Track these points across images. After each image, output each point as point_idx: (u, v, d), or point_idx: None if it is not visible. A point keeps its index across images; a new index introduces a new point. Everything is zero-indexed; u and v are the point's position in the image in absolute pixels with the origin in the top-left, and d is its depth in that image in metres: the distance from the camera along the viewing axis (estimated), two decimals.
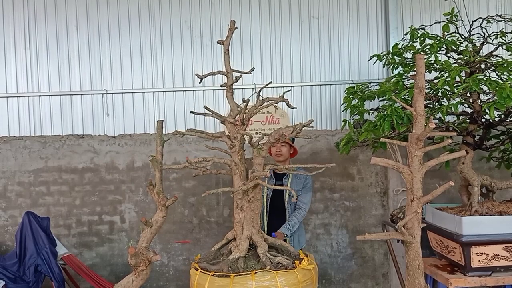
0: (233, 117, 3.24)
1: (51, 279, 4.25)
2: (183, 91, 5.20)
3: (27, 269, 4.25)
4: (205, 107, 3.46)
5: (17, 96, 5.16)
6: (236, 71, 3.35)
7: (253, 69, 3.65)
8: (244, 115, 3.25)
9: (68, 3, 5.14)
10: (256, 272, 2.87)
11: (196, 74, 3.35)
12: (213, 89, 5.18)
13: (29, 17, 5.15)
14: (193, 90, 5.20)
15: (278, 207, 4.15)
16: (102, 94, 5.17)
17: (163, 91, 5.20)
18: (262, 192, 3.59)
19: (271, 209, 4.16)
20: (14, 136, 5.15)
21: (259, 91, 3.43)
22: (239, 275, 2.88)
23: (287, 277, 2.84)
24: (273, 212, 4.14)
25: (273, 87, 5.17)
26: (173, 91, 5.20)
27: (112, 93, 5.17)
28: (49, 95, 5.16)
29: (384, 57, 4.03)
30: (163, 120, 3.38)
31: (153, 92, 5.19)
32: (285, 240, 3.81)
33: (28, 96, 5.16)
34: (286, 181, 4.16)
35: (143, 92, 5.19)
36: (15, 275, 4.24)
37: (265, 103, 3.30)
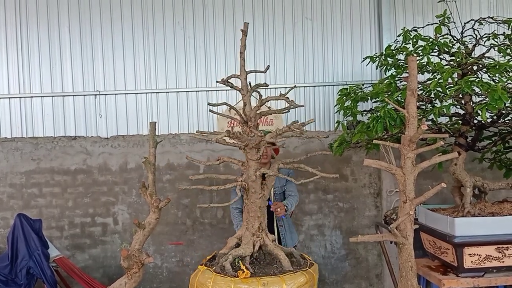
0: (250, 118, 3.27)
1: (43, 281, 4.23)
2: (177, 92, 5.18)
3: (19, 272, 4.22)
4: (211, 110, 3.53)
5: (9, 98, 5.12)
6: (252, 72, 3.42)
7: (268, 67, 3.61)
8: (246, 115, 3.28)
9: (60, 3, 5.11)
10: (204, 270, 3.18)
11: (217, 81, 3.44)
12: (206, 90, 5.17)
13: (21, 18, 5.11)
14: (187, 91, 5.18)
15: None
16: (95, 95, 5.15)
17: (156, 92, 5.18)
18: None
19: None
20: (5, 138, 5.11)
21: (260, 93, 3.45)
22: (207, 268, 3.19)
23: (220, 283, 3.01)
24: None
25: (268, 88, 5.15)
26: (166, 92, 5.18)
27: (105, 94, 5.15)
28: (41, 96, 5.13)
29: (377, 58, 4.04)
30: (156, 122, 3.40)
31: (146, 93, 5.17)
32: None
33: (20, 97, 5.12)
34: None
35: (136, 93, 5.17)
36: (7, 278, 4.21)
37: (269, 100, 3.38)
